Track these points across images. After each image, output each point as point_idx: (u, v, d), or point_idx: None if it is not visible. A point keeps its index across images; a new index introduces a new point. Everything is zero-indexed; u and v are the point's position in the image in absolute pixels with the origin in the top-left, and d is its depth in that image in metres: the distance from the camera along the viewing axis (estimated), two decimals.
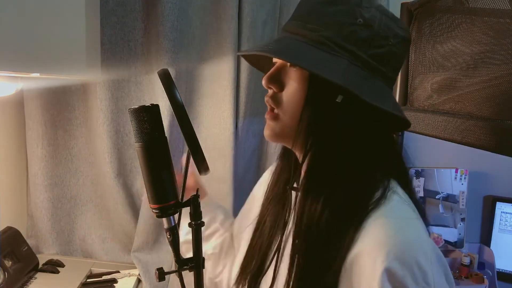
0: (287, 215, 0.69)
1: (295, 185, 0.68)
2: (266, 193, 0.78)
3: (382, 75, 0.60)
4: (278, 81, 0.63)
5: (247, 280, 0.74)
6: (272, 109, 0.65)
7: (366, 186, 0.60)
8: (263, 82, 0.64)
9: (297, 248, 0.61)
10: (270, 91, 0.65)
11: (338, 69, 0.56)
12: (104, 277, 1.36)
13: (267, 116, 0.65)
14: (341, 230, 0.57)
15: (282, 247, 0.69)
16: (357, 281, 0.55)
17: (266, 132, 0.66)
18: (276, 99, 0.64)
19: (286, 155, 0.74)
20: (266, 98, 0.65)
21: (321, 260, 0.58)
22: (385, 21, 0.59)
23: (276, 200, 0.74)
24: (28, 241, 1.37)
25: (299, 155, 0.67)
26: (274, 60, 0.66)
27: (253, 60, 0.77)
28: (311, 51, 0.58)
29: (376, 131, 0.62)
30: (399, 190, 0.62)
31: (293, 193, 0.68)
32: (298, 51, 0.59)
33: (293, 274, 0.60)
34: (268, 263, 0.71)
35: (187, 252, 0.74)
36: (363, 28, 0.58)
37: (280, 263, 0.68)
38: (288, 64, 0.63)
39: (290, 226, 0.67)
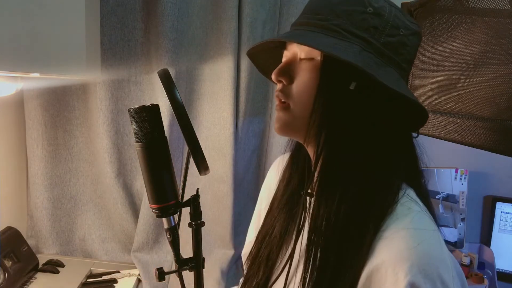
0: (301, 222, 0.66)
1: (309, 190, 0.65)
2: (272, 202, 0.75)
3: (396, 64, 0.59)
4: (287, 73, 0.62)
5: None
6: (282, 102, 0.63)
7: (381, 187, 0.58)
8: (273, 76, 0.63)
9: (313, 252, 0.59)
10: (279, 85, 0.64)
11: (350, 53, 0.55)
12: (104, 277, 1.36)
13: (277, 108, 0.64)
14: (357, 235, 0.56)
15: (294, 255, 0.66)
16: None
17: (276, 125, 0.64)
18: (287, 92, 0.62)
19: (295, 159, 0.72)
20: (276, 93, 0.64)
21: (338, 267, 0.56)
22: (394, 12, 0.59)
23: (287, 207, 0.71)
24: (28, 241, 1.37)
25: (312, 153, 0.64)
26: (283, 58, 0.65)
27: (260, 63, 0.75)
28: (322, 38, 0.57)
29: (392, 126, 0.60)
30: (417, 199, 0.60)
31: (307, 199, 0.65)
32: (310, 37, 0.58)
33: (306, 280, 0.58)
34: (277, 273, 0.68)
35: None
36: (373, 16, 0.57)
37: (292, 273, 0.66)
38: (298, 57, 0.62)
39: (305, 233, 0.65)
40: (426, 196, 0.63)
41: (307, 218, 0.63)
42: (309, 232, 0.61)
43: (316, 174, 0.62)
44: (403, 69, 0.61)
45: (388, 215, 0.56)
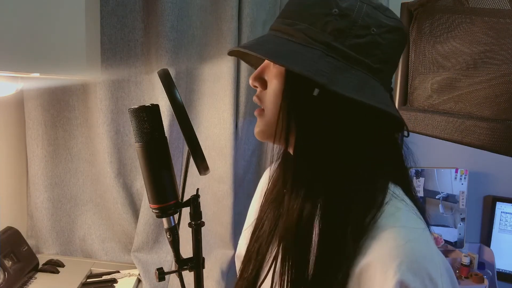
0: None
1: None
2: (264, 195, 0.76)
3: (365, 66, 0.57)
4: (261, 79, 0.63)
5: (243, 287, 0.71)
6: (259, 107, 0.65)
7: (357, 187, 0.58)
8: (250, 81, 0.65)
9: (280, 251, 0.59)
10: (257, 90, 0.65)
11: (307, 60, 0.55)
12: (104, 277, 1.36)
13: (255, 113, 0.65)
14: (336, 235, 0.55)
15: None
16: None
17: (255, 130, 0.65)
18: (261, 98, 0.64)
19: (285, 156, 0.72)
20: (253, 98, 0.65)
21: (323, 271, 0.56)
22: (366, 10, 0.57)
23: (275, 203, 0.72)
24: (28, 241, 1.37)
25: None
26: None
27: (250, 61, 0.76)
28: (283, 45, 0.57)
29: (365, 127, 0.59)
30: (405, 197, 0.60)
31: None
32: (269, 45, 0.58)
33: (283, 278, 0.58)
34: (266, 269, 0.68)
35: None
36: (338, 18, 0.56)
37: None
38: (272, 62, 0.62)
39: None
40: (413, 194, 0.62)
41: None
42: (279, 233, 0.61)
43: None
44: (375, 70, 0.58)
45: (377, 216, 0.55)
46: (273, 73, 0.62)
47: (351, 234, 0.55)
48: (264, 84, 0.63)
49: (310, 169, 0.59)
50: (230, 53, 0.70)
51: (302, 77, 0.54)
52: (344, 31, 0.56)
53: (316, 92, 0.55)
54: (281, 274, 0.59)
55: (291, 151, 0.64)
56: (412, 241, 0.53)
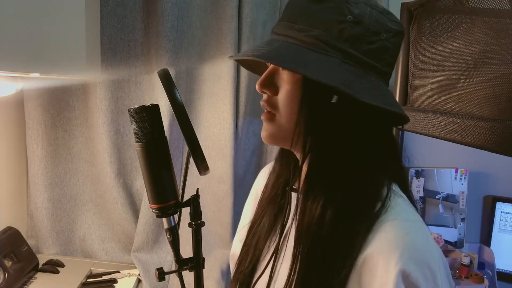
0: (286, 216, 0.68)
1: (295, 186, 0.67)
2: (263, 192, 0.77)
3: (376, 71, 0.59)
4: (271, 85, 0.63)
5: (239, 280, 0.73)
6: (268, 112, 0.64)
7: (368, 187, 0.60)
8: (257, 87, 0.63)
9: (299, 251, 0.60)
10: (265, 96, 0.64)
11: (328, 69, 0.56)
12: (104, 277, 1.36)
13: (263, 117, 0.65)
14: (347, 233, 0.57)
15: (279, 249, 0.67)
16: (367, 282, 0.54)
17: (264, 134, 0.65)
18: (272, 103, 0.63)
19: (285, 155, 0.73)
20: (262, 103, 0.64)
21: (327, 263, 0.57)
22: (375, 16, 0.58)
23: (275, 201, 0.73)
24: (28, 241, 1.37)
25: (299, 156, 0.66)
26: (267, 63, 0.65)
27: (246, 63, 0.76)
28: (300, 52, 0.57)
29: (375, 129, 0.61)
30: (402, 193, 0.62)
31: (293, 194, 0.67)
32: (287, 53, 0.58)
33: (294, 277, 0.59)
34: (263, 263, 0.70)
35: None
36: (353, 25, 0.56)
37: (277, 265, 0.67)
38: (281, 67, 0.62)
39: (289, 228, 0.67)
40: (408, 191, 0.65)
41: (295, 215, 0.64)
42: (296, 232, 0.62)
43: (303, 175, 0.63)
44: (384, 73, 0.61)
45: (380, 211, 0.58)
46: (284, 79, 0.61)
47: (360, 227, 0.57)
48: (274, 89, 0.62)
49: (327, 171, 0.60)
50: (234, 58, 0.69)
51: (320, 84, 0.54)
52: (359, 38, 0.57)
53: (335, 99, 0.57)
54: (292, 268, 0.60)
55: (297, 152, 0.65)
56: (412, 233, 0.56)
